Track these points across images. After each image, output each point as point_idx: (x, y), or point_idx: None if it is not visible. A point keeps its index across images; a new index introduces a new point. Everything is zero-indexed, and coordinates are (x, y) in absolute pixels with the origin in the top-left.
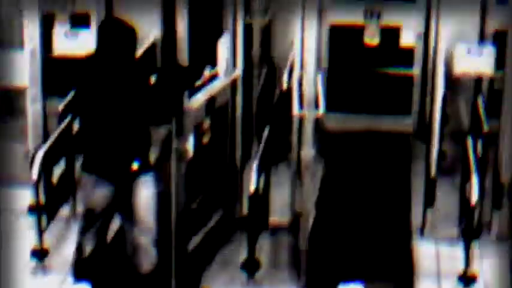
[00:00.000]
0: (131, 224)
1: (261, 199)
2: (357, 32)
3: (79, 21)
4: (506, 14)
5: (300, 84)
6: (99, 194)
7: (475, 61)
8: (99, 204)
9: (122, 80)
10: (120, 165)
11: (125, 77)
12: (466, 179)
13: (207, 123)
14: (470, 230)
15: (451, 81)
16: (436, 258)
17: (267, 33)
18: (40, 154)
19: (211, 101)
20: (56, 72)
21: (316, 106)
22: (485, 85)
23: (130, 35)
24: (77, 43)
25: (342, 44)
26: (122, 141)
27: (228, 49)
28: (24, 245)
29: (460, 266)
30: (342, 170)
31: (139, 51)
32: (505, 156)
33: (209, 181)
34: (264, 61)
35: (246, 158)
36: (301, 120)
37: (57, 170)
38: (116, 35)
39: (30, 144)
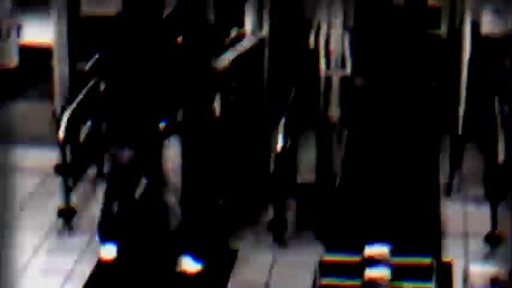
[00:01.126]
0: (158, 184)
1: (288, 158)
2: None
3: None
4: None
5: (327, 44)
6: (126, 154)
7: (502, 22)
8: (126, 165)
9: (150, 40)
10: (147, 125)
11: (152, 37)
12: (493, 139)
13: (234, 83)
14: (497, 191)
15: (478, 41)
16: (463, 219)
17: None
18: (67, 114)
19: (238, 60)
20: (83, 32)
21: (343, 66)
22: None
23: None
24: (104, 4)
25: (368, 3)
26: (149, 101)
27: (254, 9)
28: (52, 205)
29: (487, 226)
30: (369, 129)
31: (167, 11)
32: None
33: (237, 141)
34: (291, 21)
35: (274, 118)
36: (328, 80)
37: (84, 131)
38: None
39: (57, 104)
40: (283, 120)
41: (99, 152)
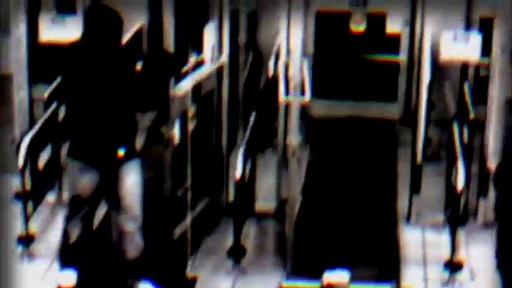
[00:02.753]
0: (117, 211)
1: (246, 185)
2: (343, 18)
3: (65, 8)
4: (492, 1)
5: (286, 71)
6: (85, 180)
7: (461, 48)
8: (85, 191)
9: (108, 66)
10: (106, 152)
11: (111, 64)
12: (452, 165)
13: (193, 110)
14: (456, 217)
15: (437, 68)
16: (422, 245)
17: (253, 19)
18: (26, 141)
19: (197, 87)
20: (42, 58)
21: (302, 92)
22: (471, 72)
23: (116, 22)
24: (63, 30)
25: (328, 30)
26: (108, 127)
27: (214, 35)
28: (11, 232)
29: (446, 253)
30: (327, 156)
31: (126, 38)
32: (491, 143)
33: (195, 168)
34: (250, 48)
35: (232, 145)
36: (287, 107)
37: (43, 157)
38: (102, 22)
39: (17, 130)
40: (242, 147)
41: (58, 178)
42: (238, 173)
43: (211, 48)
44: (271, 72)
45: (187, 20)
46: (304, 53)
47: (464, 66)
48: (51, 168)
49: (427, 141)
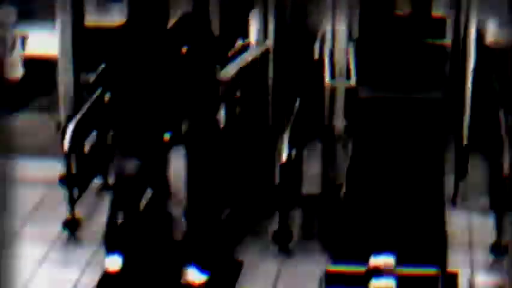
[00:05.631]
0: (163, 196)
1: (293, 169)
2: (389, 2)
3: None
4: None
5: (332, 55)
6: (131, 165)
7: (507, 32)
8: (131, 176)
9: (154, 50)
10: (152, 137)
11: (156, 48)
12: (498, 150)
13: (239, 94)
14: (502, 201)
15: (483, 52)
16: (468, 229)
17: (299, 3)
18: (72, 126)
19: (243, 71)
20: (88, 43)
21: (348, 76)
22: None
23: (162, 6)
24: (108, 14)
25: (373, 14)
26: (154, 112)
27: (259, 20)
28: (57, 216)
29: (492, 237)
30: (373, 140)
31: (172, 22)
32: None
33: (242, 152)
34: (296, 32)
35: (278, 129)
36: (333, 91)
37: (89, 142)
38: (147, 6)
39: (62, 116)
40: (288, 131)
41: (104, 163)
42: (284, 156)
43: (257, 32)
44: (316, 56)
45: (233, 4)
46: (349, 37)
47: (511, 51)
48: (96, 153)
49: (473, 125)
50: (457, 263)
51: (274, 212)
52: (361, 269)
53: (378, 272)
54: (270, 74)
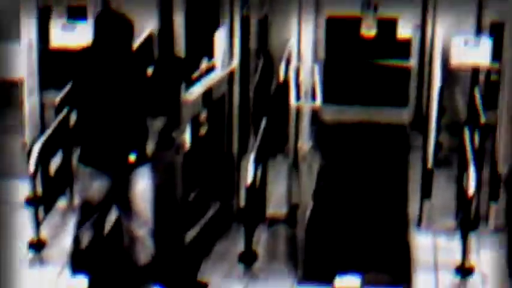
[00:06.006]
0: (128, 216)
1: (258, 191)
2: (354, 23)
3: (76, 14)
4: (503, 6)
5: (297, 76)
6: (96, 186)
7: (472, 53)
8: (96, 197)
9: (119, 71)
10: (117, 157)
11: (122, 69)
12: (463, 170)
13: (204, 115)
14: (467, 222)
15: (448, 72)
16: (433, 250)
17: (264, 25)
18: (37, 146)
19: (208, 92)
20: (53, 64)
21: (313, 97)
22: (482, 77)
23: (127, 27)
24: (73, 35)
25: (338, 35)
26: (119, 133)
27: (225, 41)
28: (22, 237)
29: (457, 258)
30: (338, 161)
31: (137, 43)
32: (502, 147)
33: (206, 173)
34: (261, 53)
35: (243, 150)
36: (298, 112)
37: (55, 162)
38: (112, 27)
39: (28, 136)
40: (253, 151)
41: (69, 183)
42: (249, 178)
43: (222, 53)
44: (282, 77)
45: (198, 25)
46: (315, 58)
47: (475, 71)
48: (62, 173)
49: (437, 146)
50: (422, 284)
51: (239, 233)
52: None
53: None
54: (236, 94)
